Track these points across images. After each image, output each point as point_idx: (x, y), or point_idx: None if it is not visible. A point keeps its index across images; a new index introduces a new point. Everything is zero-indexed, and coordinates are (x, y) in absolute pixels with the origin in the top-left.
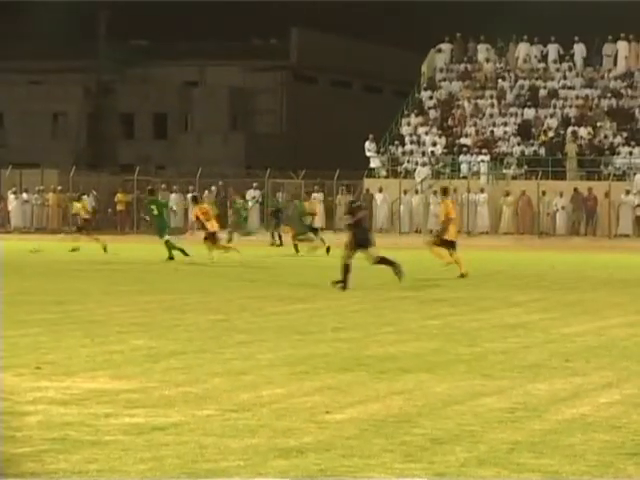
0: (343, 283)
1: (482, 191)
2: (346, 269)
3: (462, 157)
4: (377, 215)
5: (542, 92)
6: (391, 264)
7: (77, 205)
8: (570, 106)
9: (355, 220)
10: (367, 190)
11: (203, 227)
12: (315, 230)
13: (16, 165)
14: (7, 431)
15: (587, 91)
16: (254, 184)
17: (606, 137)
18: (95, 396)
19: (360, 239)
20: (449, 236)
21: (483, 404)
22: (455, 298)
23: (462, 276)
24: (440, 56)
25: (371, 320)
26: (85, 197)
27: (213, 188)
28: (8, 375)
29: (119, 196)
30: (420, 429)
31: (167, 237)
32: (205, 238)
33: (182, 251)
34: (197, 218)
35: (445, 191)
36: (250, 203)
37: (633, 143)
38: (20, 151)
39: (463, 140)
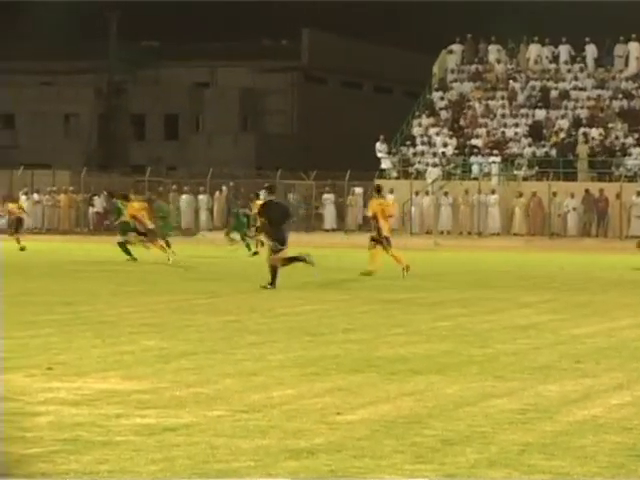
0: (271, 284)
1: (493, 192)
2: (274, 269)
3: (473, 158)
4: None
5: (553, 93)
6: (301, 260)
7: (11, 205)
8: (581, 107)
9: (269, 218)
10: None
11: (142, 224)
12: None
13: (27, 166)
14: (18, 432)
15: (598, 92)
16: (265, 185)
17: (617, 138)
18: (106, 397)
19: (278, 238)
20: (385, 232)
21: (494, 405)
22: (465, 299)
23: (368, 274)
24: (451, 57)
25: (381, 321)
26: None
27: (224, 188)
28: (19, 376)
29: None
30: (431, 430)
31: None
32: (144, 234)
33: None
34: (134, 216)
35: (378, 189)
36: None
37: None
38: (31, 152)
39: (474, 141)
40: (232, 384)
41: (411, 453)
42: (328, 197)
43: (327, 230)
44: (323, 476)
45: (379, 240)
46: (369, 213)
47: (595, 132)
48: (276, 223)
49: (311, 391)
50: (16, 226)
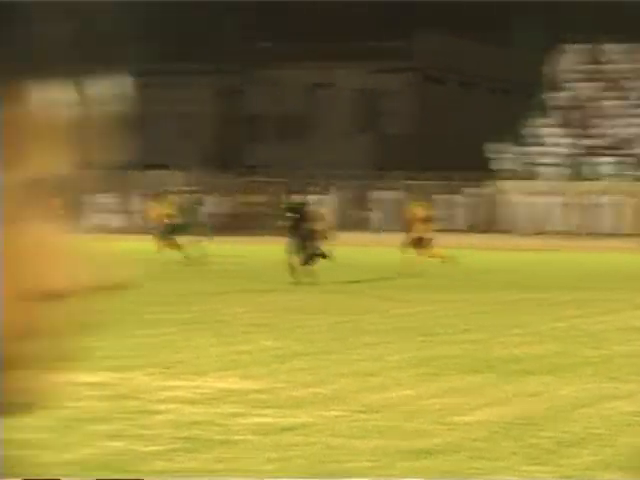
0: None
1: (607, 193)
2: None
3: (590, 158)
4: (504, 216)
5: None
6: (323, 257)
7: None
8: None
9: (298, 220)
10: (495, 191)
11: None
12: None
13: (146, 166)
14: (138, 429)
15: None
16: (383, 186)
17: None
18: (224, 396)
19: (302, 238)
20: (417, 234)
21: (610, 407)
22: (579, 300)
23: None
24: (568, 57)
25: (495, 322)
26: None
27: (334, 190)
28: (139, 374)
29: (245, 197)
30: (547, 432)
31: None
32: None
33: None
34: (164, 214)
35: (411, 195)
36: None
37: None
38: (150, 152)
39: (590, 141)
40: (348, 384)
41: (527, 455)
42: (447, 198)
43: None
44: (440, 477)
45: (415, 241)
46: (411, 216)
47: None
48: (304, 222)
49: (428, 391)
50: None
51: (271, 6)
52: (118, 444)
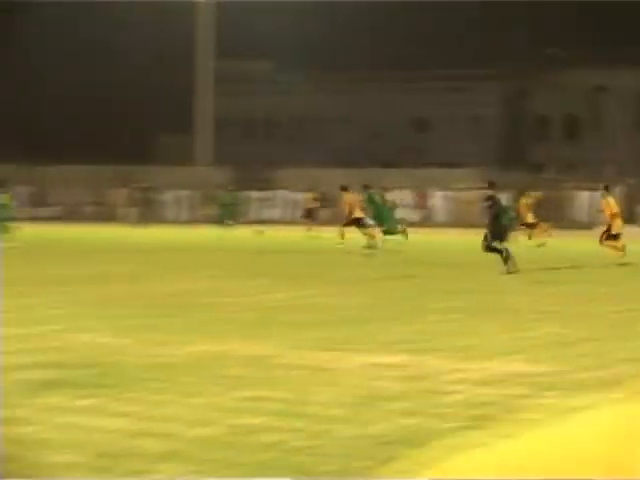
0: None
1: None
2: (503, 253)
3: None
4: None
5: None
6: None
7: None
8: None
9: (492, 214)
10: None
11: (350, 214)
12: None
13: (439, 165)
14: (431, 408)
15: None
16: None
17: None
18: (512, 378)
19: (496, 232)
20: (615, 230)
21: None
22: None
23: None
24: None
25: None
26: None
27: (618, 188)
28: (430, 358)
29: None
30: None
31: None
32: (348, 224)
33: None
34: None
35: (607, 188)
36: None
37: None
38: (445, 152)
39: None
40: (628, 370)
41: None
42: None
43: None
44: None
45: (613, 235)
46: (608, 212)
47: None
48: (496, 218)
49: None
50: (308, 215)
51: (563, 8)
52: (412, 421)
